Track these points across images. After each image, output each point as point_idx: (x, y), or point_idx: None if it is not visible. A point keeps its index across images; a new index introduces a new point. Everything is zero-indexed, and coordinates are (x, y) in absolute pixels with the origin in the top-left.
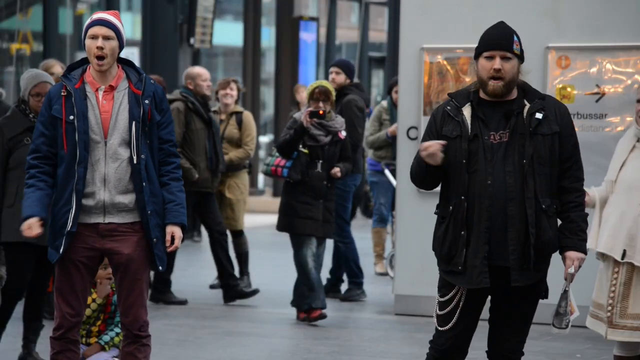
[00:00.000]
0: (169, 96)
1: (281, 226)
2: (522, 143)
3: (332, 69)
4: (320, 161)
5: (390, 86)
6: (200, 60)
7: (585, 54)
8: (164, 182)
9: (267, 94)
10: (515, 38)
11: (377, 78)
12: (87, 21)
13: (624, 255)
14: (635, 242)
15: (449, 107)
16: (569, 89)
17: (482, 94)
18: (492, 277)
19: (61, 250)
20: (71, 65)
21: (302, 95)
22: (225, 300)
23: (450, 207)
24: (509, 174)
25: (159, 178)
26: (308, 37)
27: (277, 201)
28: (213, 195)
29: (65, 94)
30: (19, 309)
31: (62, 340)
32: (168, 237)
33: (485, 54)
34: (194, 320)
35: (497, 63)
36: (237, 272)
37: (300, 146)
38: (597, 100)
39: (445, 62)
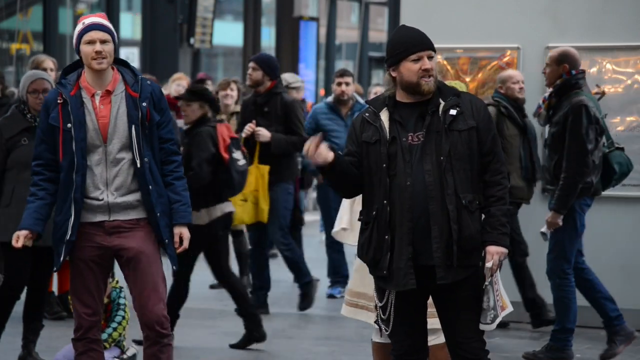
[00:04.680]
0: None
1: None
2: (438, 141)
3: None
4: None
5: None
6: (201, 60)
7: (585, 54)
8: (168, 182)
9: None
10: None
11: (377, 78)
12: (79, 27)
13: None
14: None
15: (367, 114)
16: None
17: (398, 97)
18: (421, 277)
19: (61, 259)
20: (65, 69)
21: None
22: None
23: (374, 212)
24: (428, 173)
25: (162, 178)
26: (308, 37)
27: None
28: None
29: (62, 101)
30: (19, 308)
31: (84, 341)
32: (176, 238)
33: (413, 56)
34: (193, 320)
35: (426, 63)
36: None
37: None
38: (597, 100)
39: (445, 62)
